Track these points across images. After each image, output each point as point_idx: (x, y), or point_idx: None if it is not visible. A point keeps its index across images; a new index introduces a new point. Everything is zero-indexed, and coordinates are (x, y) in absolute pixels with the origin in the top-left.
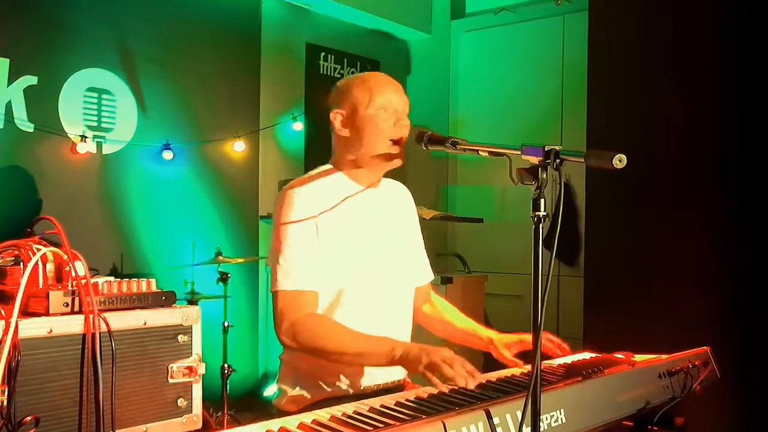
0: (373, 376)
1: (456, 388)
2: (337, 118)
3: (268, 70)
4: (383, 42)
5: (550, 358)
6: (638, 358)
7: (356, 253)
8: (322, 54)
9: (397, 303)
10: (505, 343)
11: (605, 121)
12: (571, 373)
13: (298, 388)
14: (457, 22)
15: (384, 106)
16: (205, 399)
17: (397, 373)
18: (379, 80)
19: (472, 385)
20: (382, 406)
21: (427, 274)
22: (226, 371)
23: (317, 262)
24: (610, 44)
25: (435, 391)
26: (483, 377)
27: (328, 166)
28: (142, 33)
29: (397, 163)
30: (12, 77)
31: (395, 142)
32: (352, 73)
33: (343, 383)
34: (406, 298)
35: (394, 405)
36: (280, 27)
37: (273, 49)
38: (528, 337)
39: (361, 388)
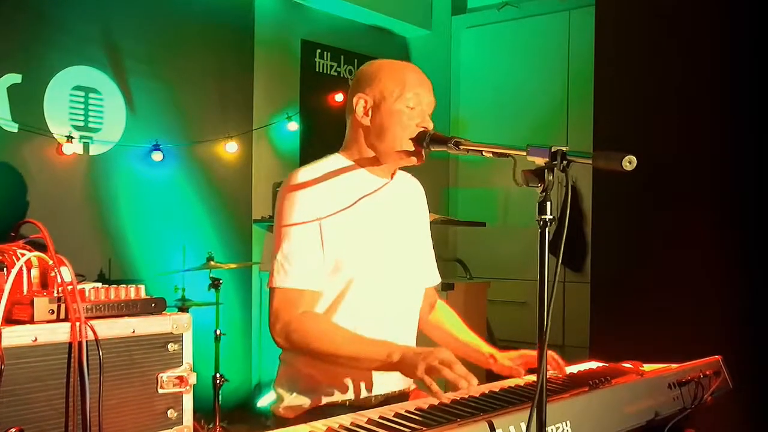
0: (376, 385)
1: (458, 398)
2: (359, 103)
3: (262, 68)
4: (381, 39)
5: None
6: (647, 367)
7: (365, 246)
8: (318, 51)
9: (406, 303)
10: (508, 357)
11: (613, 121)
12: (578, 383)
13: (295, 393)
14: (458, 18)
15: (413, 104)
16: (196, 410)
17: (402, 382)
18: (412, 74)
19: (473, 384)
20: (380, 417)
21: (434, 276)
22: (218, 381)
23: (318, 259)
24: (617, 40)
25: (436, 402)
26: (486, 387)
27: (337, 155)
28: (131, 29)
29: (413, 160)
30: None
31: (416, 142)
32: (350, 71)
33: (344, 390)
34: (414, 297)
35: (393, 416)
36: (275, 23)
37: (267, 45)
38: (531, 353)
39: (362, 396)
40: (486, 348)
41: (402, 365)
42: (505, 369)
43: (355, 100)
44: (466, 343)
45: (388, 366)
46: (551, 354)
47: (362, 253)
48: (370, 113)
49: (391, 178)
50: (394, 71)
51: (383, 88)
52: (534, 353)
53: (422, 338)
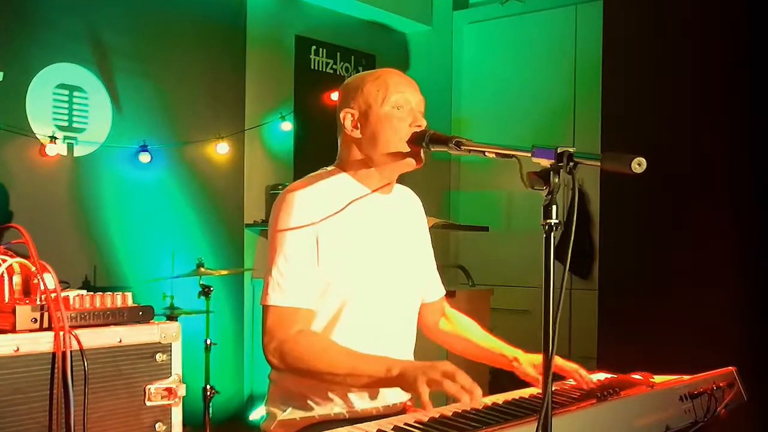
0: (372, 399)
1: (459, 411)
2: (347, 118)
3: (255, 66)
4: (380, 34)
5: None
6: (657, 379)
7: (360, 264)
8: (313, 47)
9: (402, 319)
10: (532, 362)
11: (622, 120)
12: (585, 395)
13: (289, 410)
14: (460, 13)
15: (400, 104)
16: (186, 423)
17: (398, 396)
18: (393, 77)
19: (477, 403)
20: (378, 430)
21: (438, 290)
22: (208, 393)
23: (314, 276)
24: (626, 36)
25: (436, 415)
26: (489, 399)
27: (332, 168)
28: (118, 25)
29: (412, 163)
30: None
31: (413, 143)
32: (346, 68)
33: (339, 406)
34: (411, 314)
35: (392, 430)
36: (268, 18)
37: (259, 42)
38: (558, 360)
39: (358, 411)
40: (509, 351)
41: (401, 380)
42: (528, 377)
43: (342, 116)
44: (486, 348)
45: (387, 381)
46: (573, 367)
47: (358, 272)
48: (359, 125)
49: (388, 193)
50: (375, 77)
51: (367, 96)
52: (561, 361)
53: (431, 349)
